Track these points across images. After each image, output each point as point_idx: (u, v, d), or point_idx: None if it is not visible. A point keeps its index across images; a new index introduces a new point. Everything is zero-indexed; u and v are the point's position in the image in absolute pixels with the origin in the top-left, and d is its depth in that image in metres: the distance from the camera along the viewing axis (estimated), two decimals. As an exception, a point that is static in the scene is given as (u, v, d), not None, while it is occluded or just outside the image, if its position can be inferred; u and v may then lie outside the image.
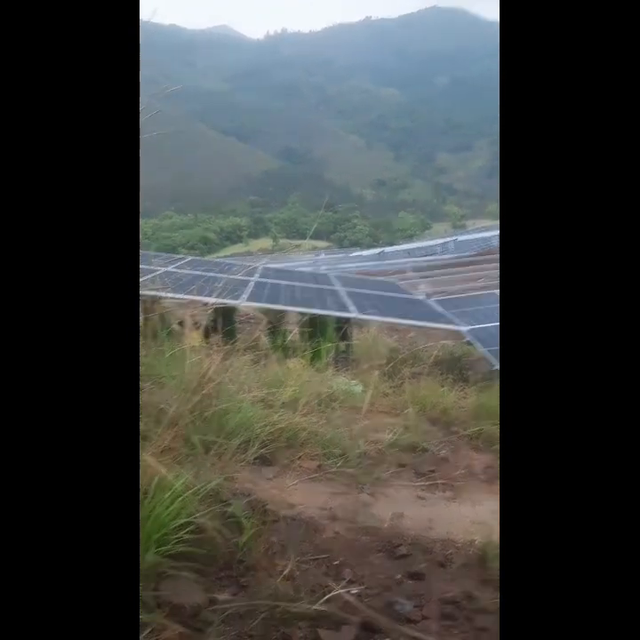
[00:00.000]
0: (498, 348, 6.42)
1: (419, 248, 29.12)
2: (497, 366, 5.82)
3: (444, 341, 7.35)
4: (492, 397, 3.97)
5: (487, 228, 34.49)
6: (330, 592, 1.40)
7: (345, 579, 1.52)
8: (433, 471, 2.69)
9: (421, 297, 10.03)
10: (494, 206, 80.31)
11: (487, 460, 3.07)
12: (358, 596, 1.44)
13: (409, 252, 27.62)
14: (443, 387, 4.37)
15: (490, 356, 6.23)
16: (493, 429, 3.43)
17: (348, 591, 1.43)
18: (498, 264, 17.58)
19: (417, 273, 18.04)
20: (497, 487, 2.72)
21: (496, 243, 23.65)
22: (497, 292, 9.84)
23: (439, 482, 2.57)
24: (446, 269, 18.92)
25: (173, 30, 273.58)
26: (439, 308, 8.23)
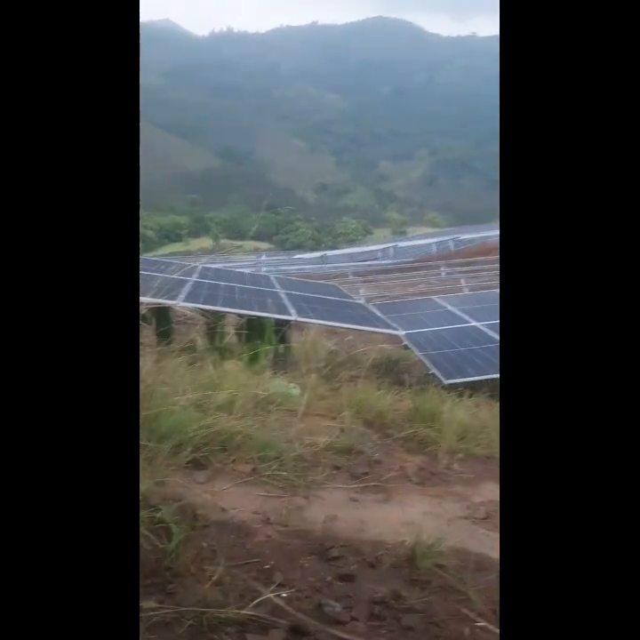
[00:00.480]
0: (433, 352, 6.59)
1: (360, 252, 29.49)
2: (432, 370, 5.97)
3: (382, 345, 7.47)
4: (426, 401, 4.07)
5: (427, 236, 35.41)
6: (259, 596, 1.38)
7: (275, 582, 1.51)
8: (366, 473, 2.72)
9: (361, 301, 10.16)
10: (433, 214, 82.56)
11: (419, 462, 3.14)
12: (288, 599, 1.44)
13: (351, 256, 27.93)
14: (379, 390, 4.44)
15: (426, 360, 6.38)
16: (426, 432, 3.52)
17: (278, 595, 1.42)
18: (436, 270, 18.07)
19: (358, 277, 18.27)
20: (428, 489, 2.79)
21: (435, 250, 24.32)
22: (435, 298, 10.11)
23: (372, 484, 2.61)
24: (386, 274, 19.27)
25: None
26: (378, 313, 8.37)
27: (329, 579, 1.60)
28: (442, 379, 5.57)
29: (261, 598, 1.37)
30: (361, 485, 2.57)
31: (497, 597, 1.67)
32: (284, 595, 1.45)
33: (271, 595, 1.39)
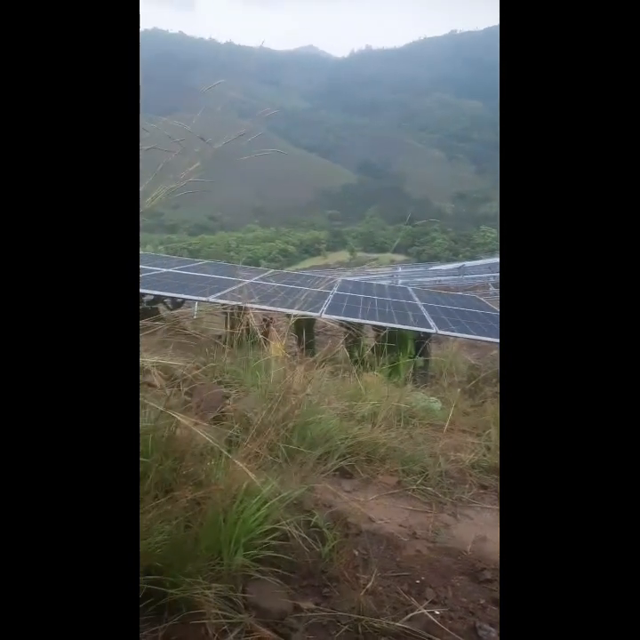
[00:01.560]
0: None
1: (498, 263, 28.24)
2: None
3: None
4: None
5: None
6: (412, 611, 1.38)
7: (427, 599, 1.49)
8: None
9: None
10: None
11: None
12: (441, 617, 1.41)
13: (490, 267, 26.83)
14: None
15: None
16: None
17: (431, 611, 1.40)
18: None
19: (498, 288, 17.49)
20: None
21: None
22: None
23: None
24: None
25: (262, 52, 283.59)
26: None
27: (482, 601, 1.55)
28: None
29: (415, 613, 1.36)
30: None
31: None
32: (437, 612, 1.43)
33: (425, 611, 1.37)
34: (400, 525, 2.05)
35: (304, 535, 1.52)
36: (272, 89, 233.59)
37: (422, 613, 1.36)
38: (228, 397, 2.58)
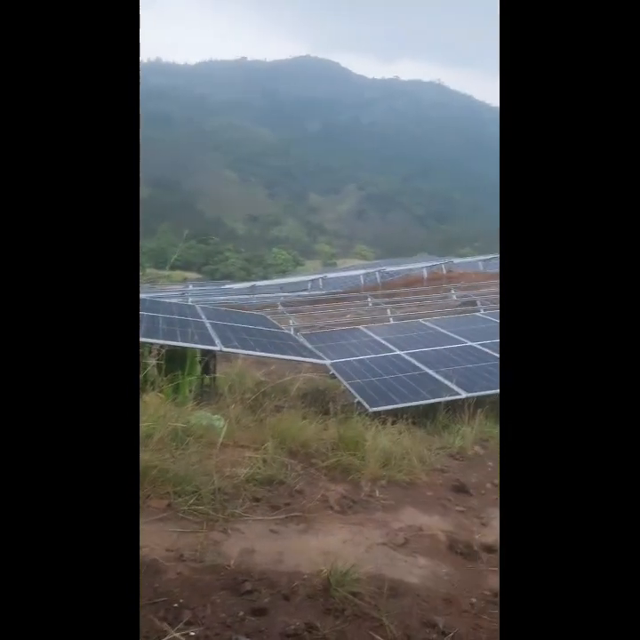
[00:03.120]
0: (359, 380, 6.68)
1: (290, 283, 29.67)
2: (357, 399, 6.04)
3: (310, 375, 7.50)
4: (350, 429, 4.10)
5: (355, 267, 36.19)
6: (165, 636, 1.33)
7: (183, 620, 1.46)
8: (288, 504, 2.70)
9: (290, 331, 10.18)
10: (362, 247, 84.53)
11: (342, 491, 3.15)
12: (196, 637, 1.39)
13: (280, 287, 28.04)
14: (305, 419, 4.44)
15: (351, 388, 6.45)
16: (350, 460, 3.55)
17: (186, 633, 1.37)
18: (363, 301, 18.44)
19: (287, 307, 18.34)
20: (349, 517, 2.80)
21: (362, 281, 24.86)
22: (361, 327, 10.29)
23: (293, 514, 2.59)
24: (315, 305, 19.46)
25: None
26: (306, 342, 8.41)
27: (241, 614, 1.57)
28: (367, 406, 5.64)
29: (167, 637, 1.31)
30: (281, 516, 2.55)
31: (409, 623, 1.69)
32: (193, 633, 1.40)
33: (177, 634, 1.33)
34: (167, 550, 1.98)
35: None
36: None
37: (174, 637, 1.31)
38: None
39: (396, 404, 5.70)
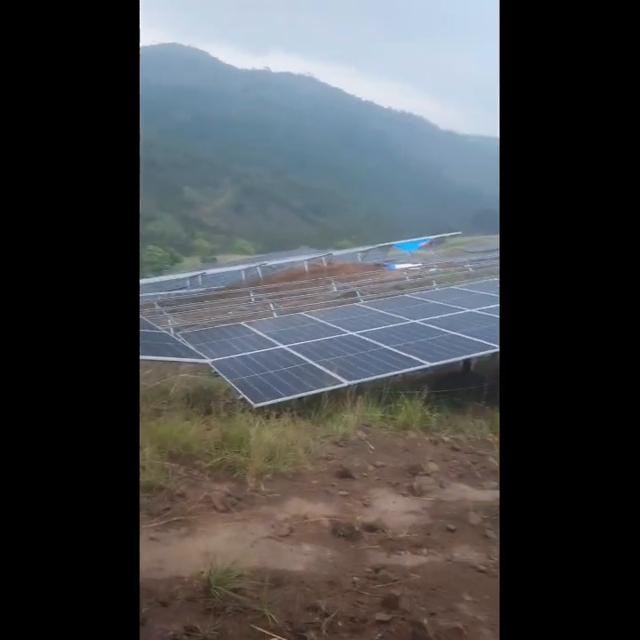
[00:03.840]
0: (242, 377, 6.64)
1: (167, 281, 28.66)
2: (242, 396, 6.00)
3: (191, 375, 7.34)
4: (234, 426, 4.07)
5: (236, 263, 35.85)
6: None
7: None
8: (168, 509, 2.63)
9: (168, 331, 9.87)
10: (242, 242, 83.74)
11: (226, 489, 3.13)
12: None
13: (157, 286, 27.00)
14: (187, 420, 4.33)
15: (235, 385, 6.39)
16: (235, 457, 3.52)
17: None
18: (245, 297, 18.35)
19: (165, 307, 17.72)
20: (234, 514, 2.78)
21: (244, 276, 24.71)
22: (244, 323, 10.23)
23: (174, 519, 2.53)
24: (195, 303, 19.01)
25: None
26: (186, 342, 8.20)
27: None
28: (251, 403, 5.62)
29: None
30: (161, 522, 2.48)
31: (292, 610, 1.73)
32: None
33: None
34: None
35: None
36: None
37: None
38: None
39: (281, 397, 5.74)
